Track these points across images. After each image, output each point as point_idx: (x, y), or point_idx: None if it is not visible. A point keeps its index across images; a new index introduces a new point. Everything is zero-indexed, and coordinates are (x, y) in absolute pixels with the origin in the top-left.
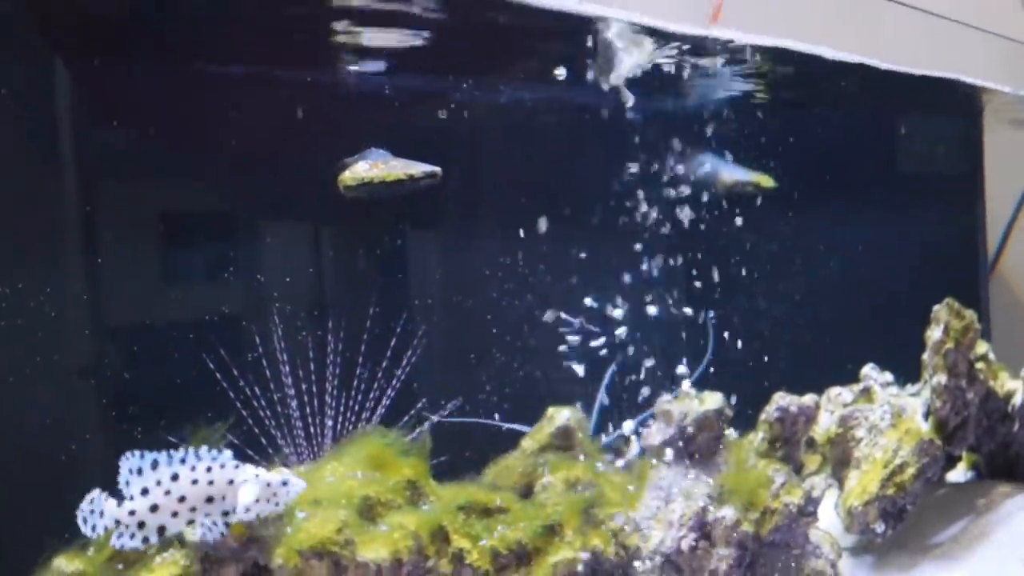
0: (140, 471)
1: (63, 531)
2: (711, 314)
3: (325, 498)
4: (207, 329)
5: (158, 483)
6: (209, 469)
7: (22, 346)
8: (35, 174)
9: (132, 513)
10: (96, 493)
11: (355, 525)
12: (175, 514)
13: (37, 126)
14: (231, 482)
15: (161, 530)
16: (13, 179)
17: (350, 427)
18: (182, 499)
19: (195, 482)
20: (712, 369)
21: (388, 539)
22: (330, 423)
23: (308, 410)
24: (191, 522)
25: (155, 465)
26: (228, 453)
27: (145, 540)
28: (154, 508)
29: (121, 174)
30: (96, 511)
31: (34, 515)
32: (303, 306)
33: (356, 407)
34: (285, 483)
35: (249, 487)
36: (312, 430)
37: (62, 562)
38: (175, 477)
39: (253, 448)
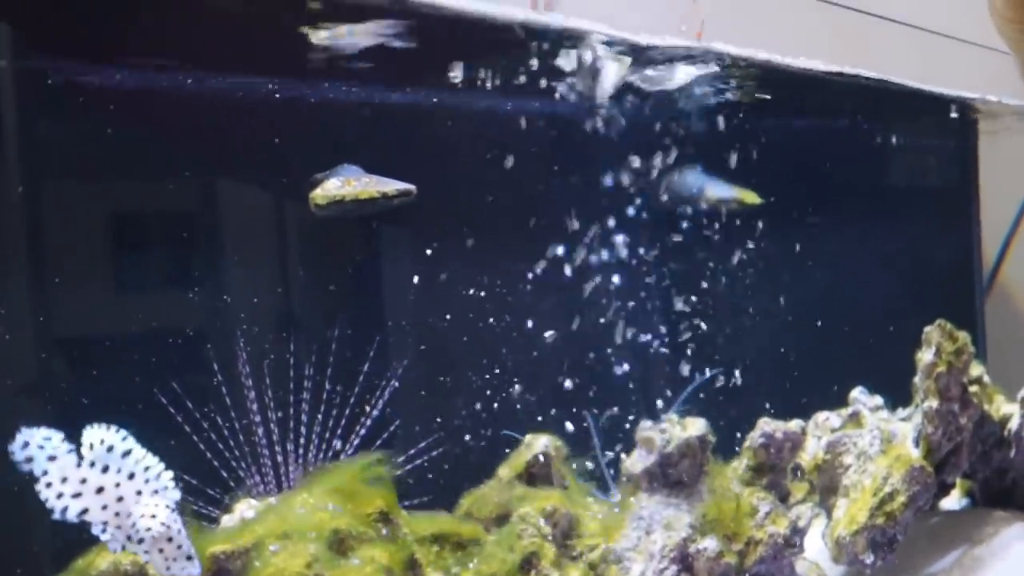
0: (108, 448)
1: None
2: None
3: (295, 531)
4: (166, 348)
5: (118, 471)
6: (155, 492)
7: None
8: None
9: (83, 481)
10: (51, 433)
11: (325, 559)
12: (104, 507)
13: None
14: (153, 516)
15: (83, 511)
16: None
17: (323, 456)
18: (120, 499)
19: (139, 493)
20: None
21: (359, 573)
22: (302, 451)
23: (277, 438)
24: (105, 522)
25: (126, 454)
26: (176, 494)
27: (64, 509)
28: (99, 490)
29: (74, 179)
30: (45, 450)
31: None
32: (272, 326)
33: (329, 434)
34: (190, 558)
35: (162, 516)
36: (281, 459)
37: None
38: (132, 476)
39: (216, 478)
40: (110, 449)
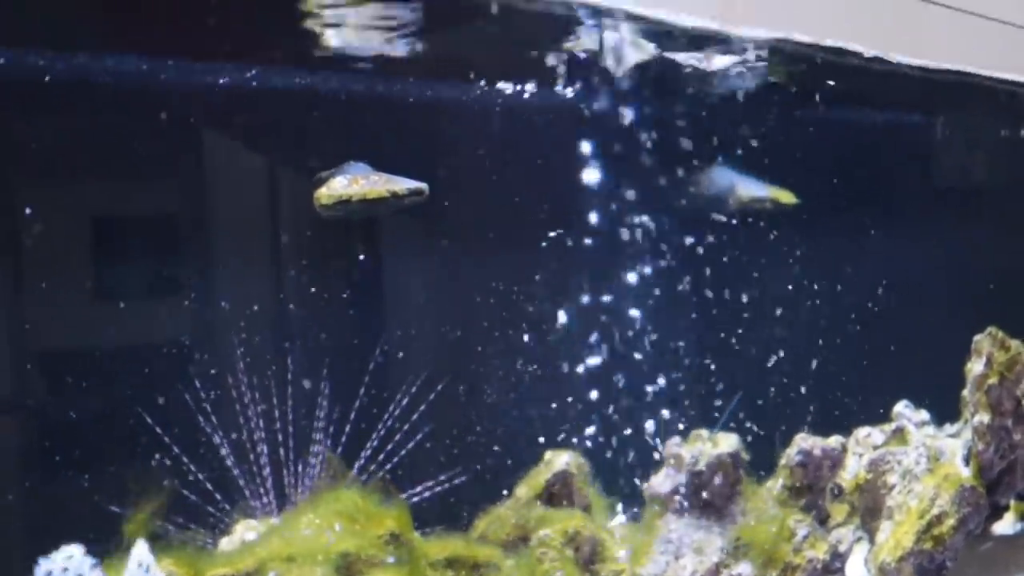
0: None
1: None
2: None
3: (300, 554)
4: (160, 359)
5: None
6: None
7: None
8: None
9: None
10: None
11: None
12: None
13: None
14: None
15: None
16: None
17: (325, 473)
18: None
19: None
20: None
21: None
22: (305, 468)
23: (280, 455)
24: None
25: None
26: None
27: None
28: None
29: (55, 178)
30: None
31: None
32: (273, 341)
33: (335, 450)
34: None
35: None
36: (285, 477)
37: None
38: None
39: (213, 498)
40: None
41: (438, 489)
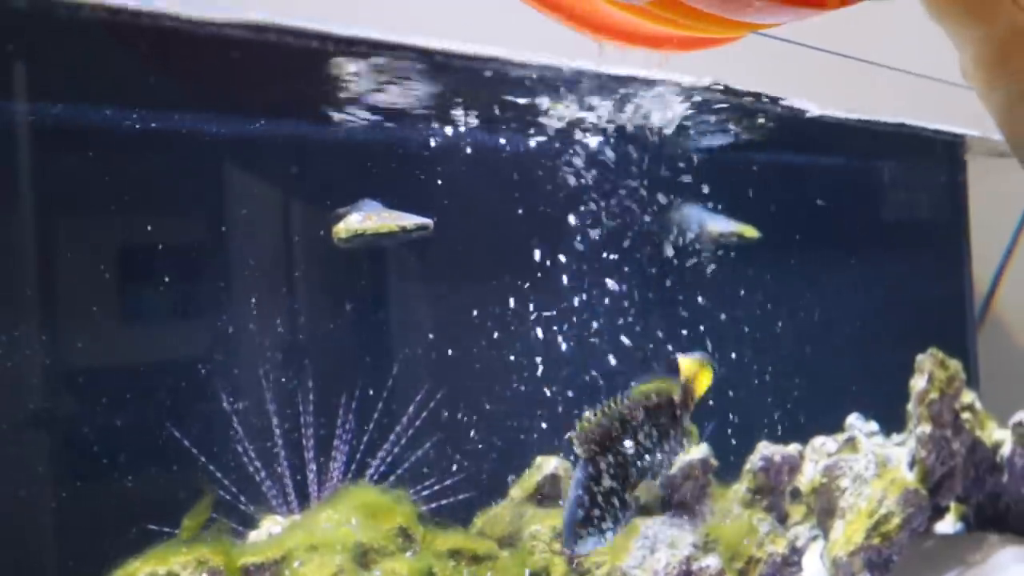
0: None
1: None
2: None
3: (321, 544)
4: (185, 372)
5: None
6: None
7: None
8: None
9: None
10: None
11: (351, 570)
12: None
13: None
14: None
15: None
16: None
17: (342, 476)
18: None
19: None
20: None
21: None
22: (325, 472)
23: (303, 458)
24: None
25: None
26: None
27: None
28: None
29: (80, 211)
30: None
31: None
32: (293, 353)
33: (349, 456)
34: None
35: None
36: (305, 478)
37: None
38: None
39: (241, 498)
40: None
41: (440, 489)
